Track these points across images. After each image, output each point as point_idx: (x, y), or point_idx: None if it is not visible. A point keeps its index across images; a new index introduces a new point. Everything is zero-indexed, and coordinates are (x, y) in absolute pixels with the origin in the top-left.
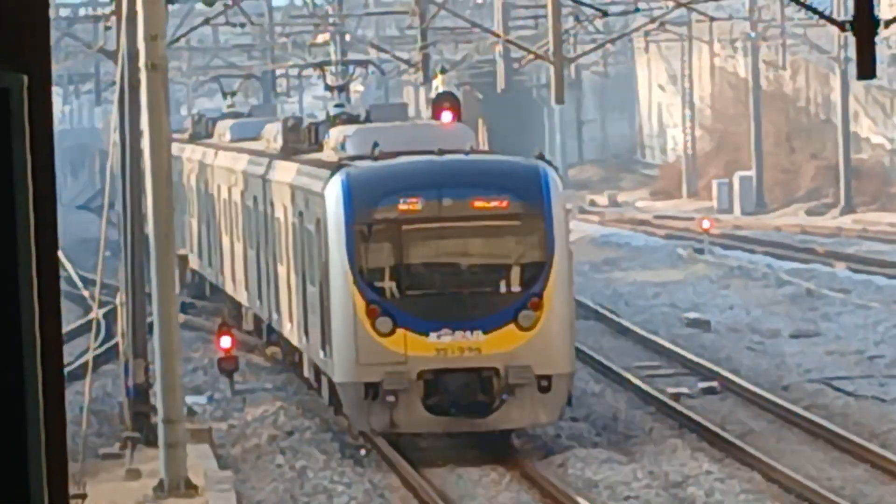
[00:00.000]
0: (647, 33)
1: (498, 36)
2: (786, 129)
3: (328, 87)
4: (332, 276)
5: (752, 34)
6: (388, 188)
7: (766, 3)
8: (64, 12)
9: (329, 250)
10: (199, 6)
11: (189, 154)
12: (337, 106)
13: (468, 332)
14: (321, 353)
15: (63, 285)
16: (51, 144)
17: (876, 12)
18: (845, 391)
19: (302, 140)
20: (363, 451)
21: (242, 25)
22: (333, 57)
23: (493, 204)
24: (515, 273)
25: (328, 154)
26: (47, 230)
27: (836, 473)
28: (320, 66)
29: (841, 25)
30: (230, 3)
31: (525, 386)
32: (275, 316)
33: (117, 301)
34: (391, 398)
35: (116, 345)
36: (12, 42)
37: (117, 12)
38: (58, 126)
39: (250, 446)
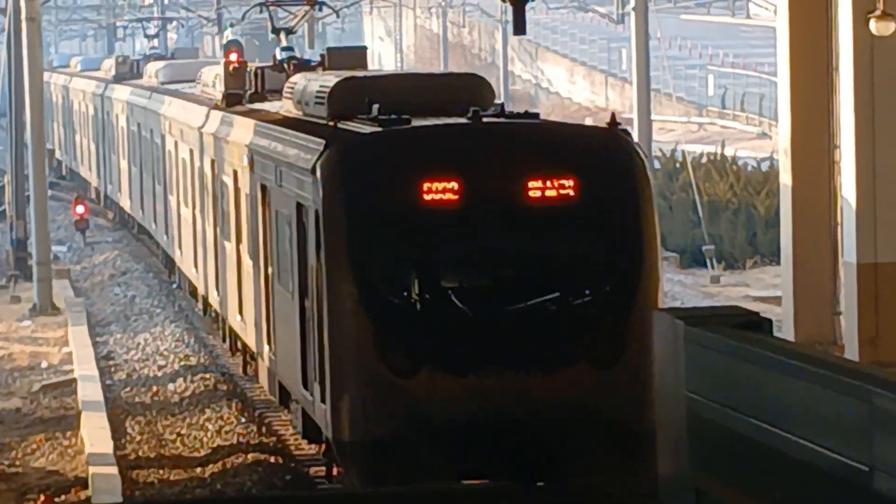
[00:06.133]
0: (371, 1)
1: (269, 2)
2: (465, 68)
3: (275, 30)
4: (329, 287)
5: (442, 2)
6: (408, 166)
7: None
8: None
9: (324, 251)
10: None
11: (118, 95)
12: (284, 49)
13: (520, 371)
14: (303, 388)
15: None
16: None
17: None
18: None
19: (248, 87)
20: (175, 285)
21: None
22: (156, 10)
23: (557, 189)
24: (587, 286)
25: (290, 109)
26: None
27: None
28: (265, 5)
29: None
30: None
31: (599, 445)
32: (194, 273)
33: (4, 180)
34: (412, 461)
35: (4, 210)
36: None
37: None
38: None
39: (97, 281)
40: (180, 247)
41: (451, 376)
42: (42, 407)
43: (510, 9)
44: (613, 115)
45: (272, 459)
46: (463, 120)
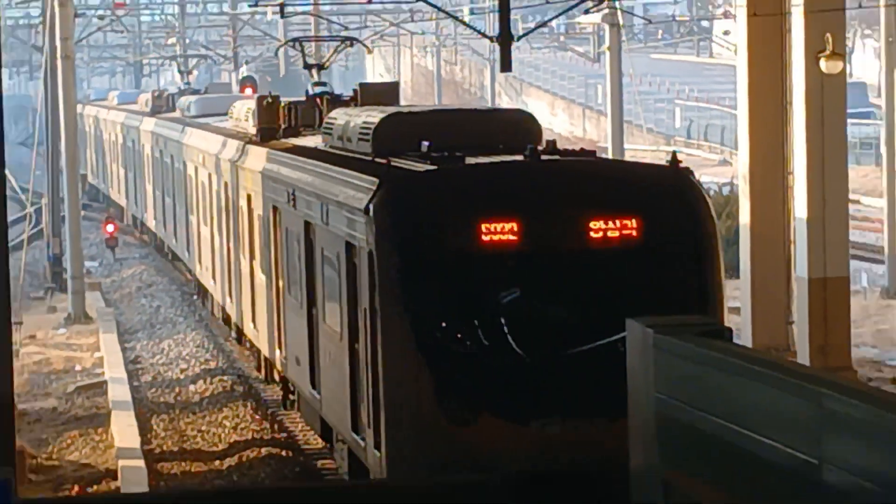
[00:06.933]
0: (373, 41)
1: (280, 42)
2: (457, 103)
3: (307, 66)
4: (384, 331)
5: (437, 42)
6: (465, 205)
7: (446, 24)
8: (10, 21)
9: (378, 294)
10: (95, 19)
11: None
12: (317, 84)
13: (587, 419)
14: (353, 432)
15: (9, 192)
16: (0, 106)
17: (513, 31)
18: None
19: (281, 122)
20: (195, 297)
21: (120, 32)
22: (178, 50)
23: (620, 229)
24: None
25: (330, 145)
26: None
27: None
28: (298, 41)
29: (491, 38)
30: (115, 17)
31: None
32: (227, 300)
33: (42, 202)
34: None
35: (42, 229)
36: None
37: (43, 23)
38: (4, 92)
39: (125, 293)
40: (214, 277)
41: (511, 425)
42: (76, 406)
43: (498, 48)
44: (674, 154)
45: (283, 453)
46: (519, 157)
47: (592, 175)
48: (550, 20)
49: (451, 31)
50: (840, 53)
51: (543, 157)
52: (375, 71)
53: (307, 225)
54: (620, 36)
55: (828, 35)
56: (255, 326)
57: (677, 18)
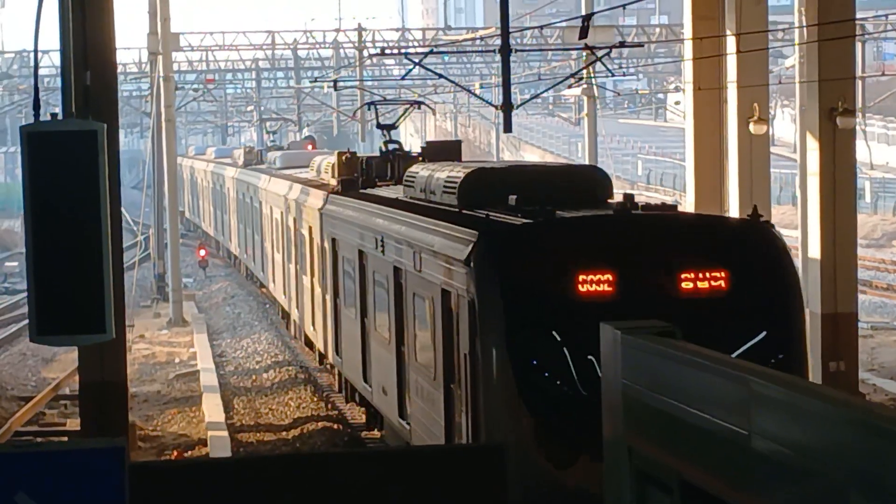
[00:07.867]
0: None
1: (334, 109)
2: (469, 156)
3: (380, 126)
4: (485, 376)
5: (454, 110)
6: (564, 259)
7: (461, 95)
8: (125, 92)
9: (480, 341)
10: (191, 91)
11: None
12: (390, 142)
13: None
14: None
15: (124, 224)
16: (118, 159)
17: (513, 100)
18: None
19: (359, 174)
20: (267, 305)
21: (210, 101)
22: (255, 115)
23: (709, 281)
24: None
25: (412, 196)
26: (115, 198)
27: None
28: (373, 104)
29: (496, 107)
30: (206, 90)
31: None
32: (305, 322)
33: (150, 232)
34: None
35: (149, 253)
36: (98, 106)
37: (151, 94)
38: (121, 147)
39: (213, 302)
40: (298, 307)
41: None
42: (175, 390)
43: (501, 114)
44: (755, 208)
45: (335, 426)
46: (609, 212)
47: (681, 229)
48: (542, 93)
49: (465, 101)
50: (764, 119)
51: (634, 212)
52: (406, 131)
53: (396, 270)
54: (595, 105)
55: (755, 104)
56: (338, 355)
57: (639, 91)
